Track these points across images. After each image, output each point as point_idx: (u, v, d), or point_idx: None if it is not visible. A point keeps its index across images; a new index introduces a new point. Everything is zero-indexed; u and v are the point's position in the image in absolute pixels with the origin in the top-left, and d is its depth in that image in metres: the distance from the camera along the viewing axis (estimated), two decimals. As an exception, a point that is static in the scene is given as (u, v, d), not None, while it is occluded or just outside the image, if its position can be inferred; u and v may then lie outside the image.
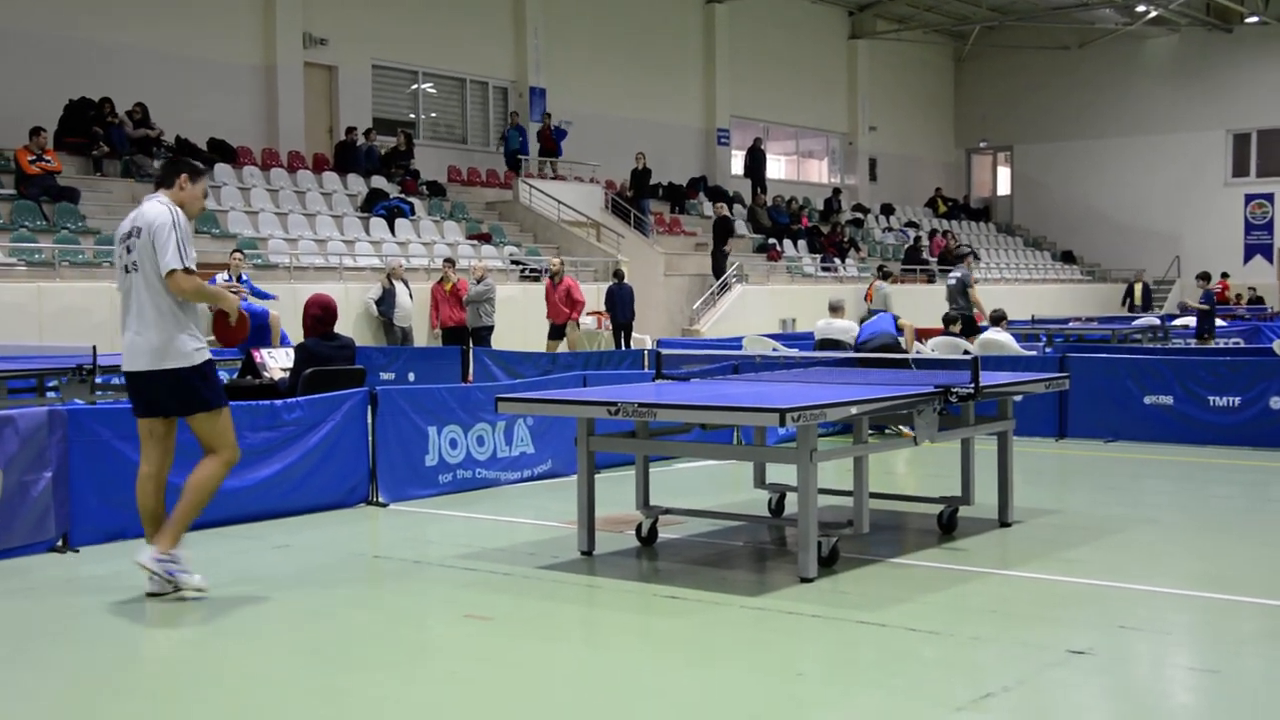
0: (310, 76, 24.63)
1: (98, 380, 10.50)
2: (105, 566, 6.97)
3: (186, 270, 6.02)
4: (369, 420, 8.84)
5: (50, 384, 10.58)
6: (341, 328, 9.54)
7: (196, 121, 22.36)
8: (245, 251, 17.12)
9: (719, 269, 26.12)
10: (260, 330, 12.43)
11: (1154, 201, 39.61)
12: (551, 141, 27.66)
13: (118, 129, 20.54)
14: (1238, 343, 20.21)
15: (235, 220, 20.34)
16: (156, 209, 6.15)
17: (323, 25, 24.54)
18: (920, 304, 28.57)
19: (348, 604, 6.32)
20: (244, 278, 12.94)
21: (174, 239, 6.01)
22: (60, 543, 7.28)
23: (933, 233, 36.89)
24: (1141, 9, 36.49)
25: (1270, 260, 38.26)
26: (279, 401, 8.48)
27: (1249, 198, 38.73)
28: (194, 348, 6.14)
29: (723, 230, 26.36)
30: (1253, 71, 37.77)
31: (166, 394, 6.15)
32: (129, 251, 6.16)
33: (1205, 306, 20.61)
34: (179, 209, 6.19)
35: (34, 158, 18.22)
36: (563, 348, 19.01)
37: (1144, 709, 4.74)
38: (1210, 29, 38.04)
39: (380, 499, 8.83)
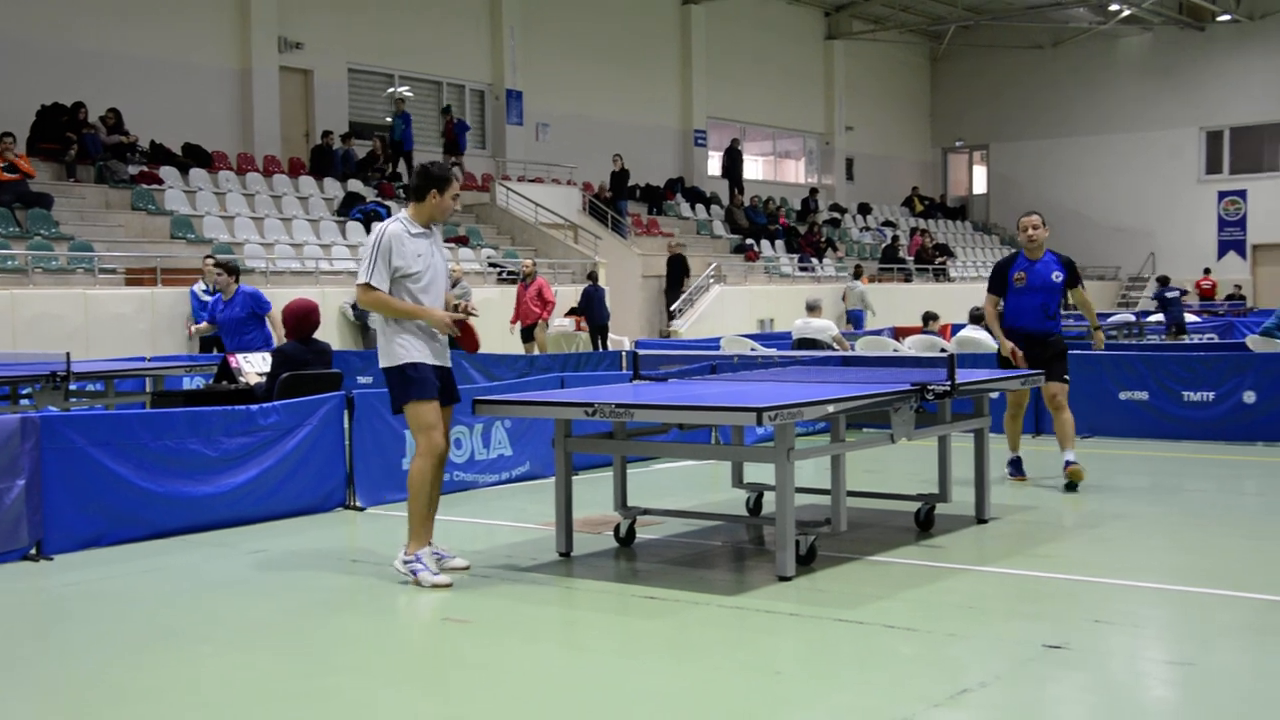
0: (286, 80, 24.54)
1: (71, 387, 10.43)
2: (79, 574, 6.94)
3: (369, 286, 6.52)
4: (345, 424, 8.83)
5: (24, 391, 10.51)
6: (318, 332, 9.51)
7: (171, 126, 22.28)
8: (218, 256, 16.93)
9: (671, 303, 25.83)
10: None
11: (1128, 199, 39.85)
12: (453, 135, 26.36)
13: (91, 135, 20.41)
14: (1211, 338, 20.35)
15: (210, 225, 20.26)
16: (379, 227, 6.66)
17: (298, 29, 24.45)
18: (897, 303, 28.70)
19: (325, 608, 6.30)
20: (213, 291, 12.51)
21: (369, 256, 6.56)
22: (33, 551, 7.23)
23: (911, 231, 37.05)
24: (1115, 8, 36.71)
25: (1244, 256, 38.53)
26: (255, 406, 8.45)
27: (1222, 194, 39.00)
28: (397, 350, 6.58)
29: (676, 269, 25.89)
30: (1225, 69, 38.03)
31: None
32: None
33: (1160, 318, 21.08)
34: (410, 224, 6.64)
35: (5, 164, 18.07)
36: (534, 350, 18.95)
37: (1120, 702, 4.76)
38: (1183, 27, 38.29)
39: (357, 503, 8.81)
